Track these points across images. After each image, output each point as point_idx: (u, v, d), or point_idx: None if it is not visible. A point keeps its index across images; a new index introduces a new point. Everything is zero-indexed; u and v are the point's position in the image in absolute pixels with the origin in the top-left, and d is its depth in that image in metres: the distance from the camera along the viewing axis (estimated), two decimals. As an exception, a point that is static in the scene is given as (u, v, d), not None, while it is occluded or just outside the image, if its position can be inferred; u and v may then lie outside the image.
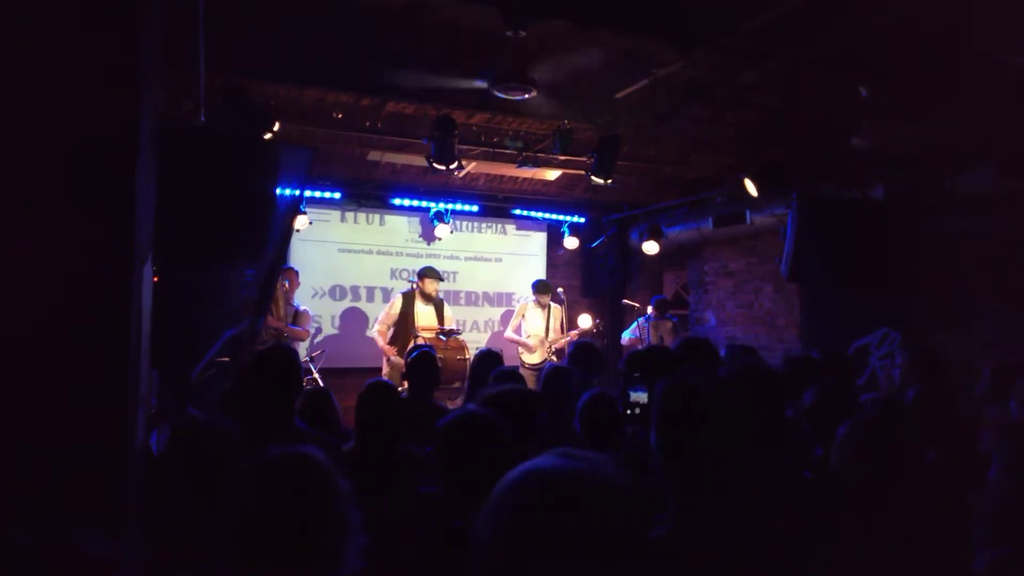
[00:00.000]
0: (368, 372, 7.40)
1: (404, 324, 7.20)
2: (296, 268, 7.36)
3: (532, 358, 8.00)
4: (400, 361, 6.94)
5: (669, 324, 8.36)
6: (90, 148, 1.83)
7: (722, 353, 3.76)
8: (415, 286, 7.39)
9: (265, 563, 1.58)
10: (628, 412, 2.61)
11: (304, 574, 1.59)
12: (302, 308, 7.20)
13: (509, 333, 8.25)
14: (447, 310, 7.58)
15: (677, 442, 1.80)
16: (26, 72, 1.82)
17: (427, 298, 7.33)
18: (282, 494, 1.65)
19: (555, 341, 8.03)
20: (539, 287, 8.14)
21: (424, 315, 7.28)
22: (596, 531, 0.94)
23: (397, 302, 7.33)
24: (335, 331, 8.73)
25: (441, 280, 7.57)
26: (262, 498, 1.65)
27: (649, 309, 8.35)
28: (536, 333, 8.03)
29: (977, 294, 5.33)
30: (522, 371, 7.44)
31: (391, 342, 7.19)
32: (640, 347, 8.08)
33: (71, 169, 1.82)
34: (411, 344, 6.86)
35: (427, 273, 7.40)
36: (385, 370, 7.16)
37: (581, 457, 1.03)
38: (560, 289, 8.37)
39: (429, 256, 9.18)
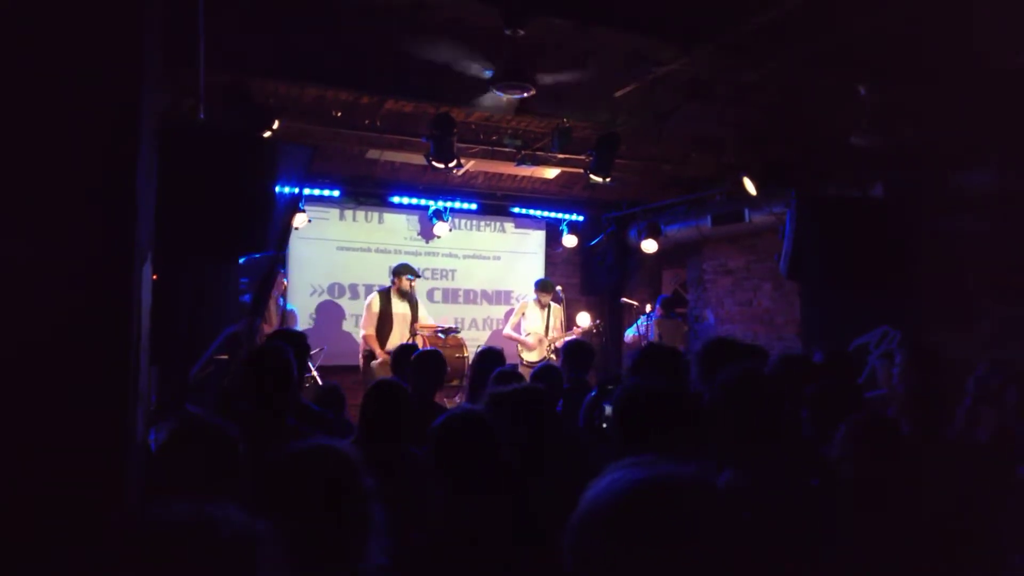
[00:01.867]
0: (367, 370, 7.41)
1: (384, 323, 7.21)
2: (283, 269, 7.39)
3: (531, 356, 8.03)
4: (387, 359, 6.98)
5: (684, 328, 8.38)
6: (91, 147, 1.82)
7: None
8: (394, 282, 7.38)
9: (290, 552, 1.60)
10: (604, 426, 2.55)
11: (329, 565, 1.61)
12: (289, 308, 7.22)
13: (508, 331, 8.27)
14: (421, 308, 7.58)
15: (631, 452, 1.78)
16: (26, 71, 1.81)
17: (403, 295, 7.32)
18: (310, 485, 1.67)
19: (555, 340, 8.05)
20: (541, 286, 8.16)
21: (401, 313, 7.28)
22: (703, 535, 0.97)
23: (375, 301, 7.33)
24: (333, 329, 8.72)
25: (418, 276, 7.55)
26: (290, 487, 1.67)
27: (649, 307, 8.36)
28: (536, 331, 8.06)
29: (978, 294, 5.33)
30: (521, 369, 7.45)
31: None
32: (643, 344, 8.11)
33: (71, 168, 1.82)
34: (408, 342, 6.87)
35: (405, 270, 7.40)
36: (362, 366, 7.16)
37: (670, 466, 1.05)
38: (559, 288, 8.38)
39: (428, 254, 9.18)
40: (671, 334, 8.17)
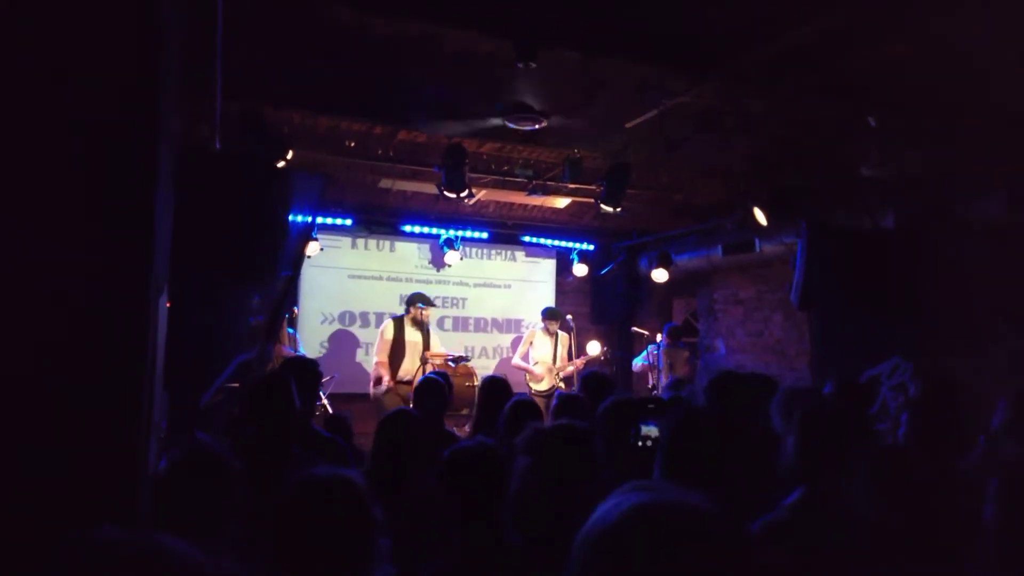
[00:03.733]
0: (376, 398, 7.40)
1: (397, 350, 7.23)
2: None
3: (539, 385, 8.00)
4: (392, 386, 7.00)
5: (685, 353, 8.34)
6: (109, 178, 1.85)
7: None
8: (408, 311, 7.40)
9: None
10: (640, 445, 2.58)
11: None
12: (290, 331, 7.29)
13: (516, 360, 8.25)
14: (433, 336, 7.60)
15: (683, 480, 1.77)
16: (42, 101, 1.84)
17: (416, 323, 7.35)
18: (317, 514, 1.68)
19: (562, 368, 8.01)
20: (549, 313, 8.17)
21: (414, 341, 7.30)
22: (702, 562, 0.95)
23: (388, 329, 7.34)
24: (344, 357, 8.73)
25: (432, 306, 7.59)
26: (300, 516, 1.67)
27: (659, 336, 8.34)
28: (544, 360, 8.03)
29: (990, 323, 5.29)
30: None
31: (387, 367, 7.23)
32: (651, 374, 8.08)
33: (89, 199, 1.84)
34: (419, 370, 6.88)
35: (418, 299, 7.44)
36: (372, 393, 7.17)
37: (670, 490, 1.03)
38: (569, 316, 8.37)
39: (438, 282, 9.21)
40: (679, 363, 8.13)
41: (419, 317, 7.33)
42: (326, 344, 8.70)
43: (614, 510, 1.00)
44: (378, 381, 7.16)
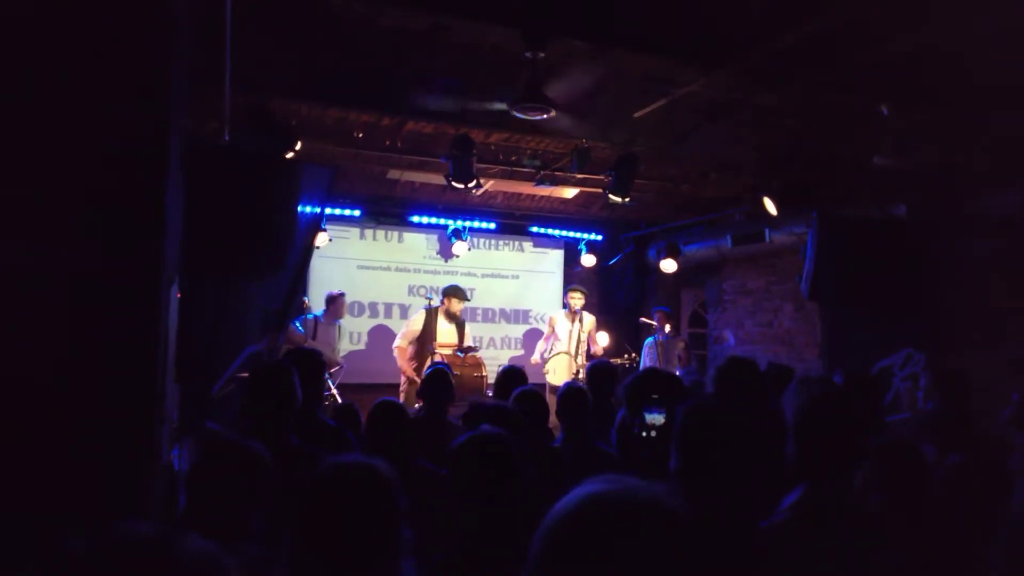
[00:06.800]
0: (386, 388, 7.41)
1: (424, 341, 7.20)
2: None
3: (556, 380, 7.59)
4: (417, 378, 6.99)
5: (681, 343, 8.20)
6: (121, 172, 1.86)
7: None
8: (443, 303, 7.37)
9: (325, 569, 1.61)
10: (644, 435, 2.55)
11: None
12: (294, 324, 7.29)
13: (536, 358, 7.96)
14: (467, 329, 7.54)
15: (698, 468, 1.77)
16: (55, 95, 1.85)
17: (451, 317, 7.31)
18: (346, 502, 1.67)
19: (582, 366, 7.64)
20: (572, 288, 7.95)
21: (445, 333, 7.26)
22: (656, 558, 0.93)
23: (419, 319, 7.30)
24: (353, 347, 8.76)
25: (467, 300, 7.53)
26: (328, 504, 1.67)
27: (654, 324, 8.18)
28: (564, 351, 7.71)
29: (1001, 316, 5.26)
30: (549, 397, 7.28)
31: (411, 358, 7.20)
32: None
33: (102, 193, 1.85)
34: (428, 361, 6.88)
35: (454, 292, 7.35)
36: (403, 387, 7.16)
37: (636, 483, 1.01)
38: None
39: (446, 273, 9.21)
40: (674, 354, 7.99)
41: (453, 310, 7.29)
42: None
43: (568, 501, 0.99)
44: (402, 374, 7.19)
